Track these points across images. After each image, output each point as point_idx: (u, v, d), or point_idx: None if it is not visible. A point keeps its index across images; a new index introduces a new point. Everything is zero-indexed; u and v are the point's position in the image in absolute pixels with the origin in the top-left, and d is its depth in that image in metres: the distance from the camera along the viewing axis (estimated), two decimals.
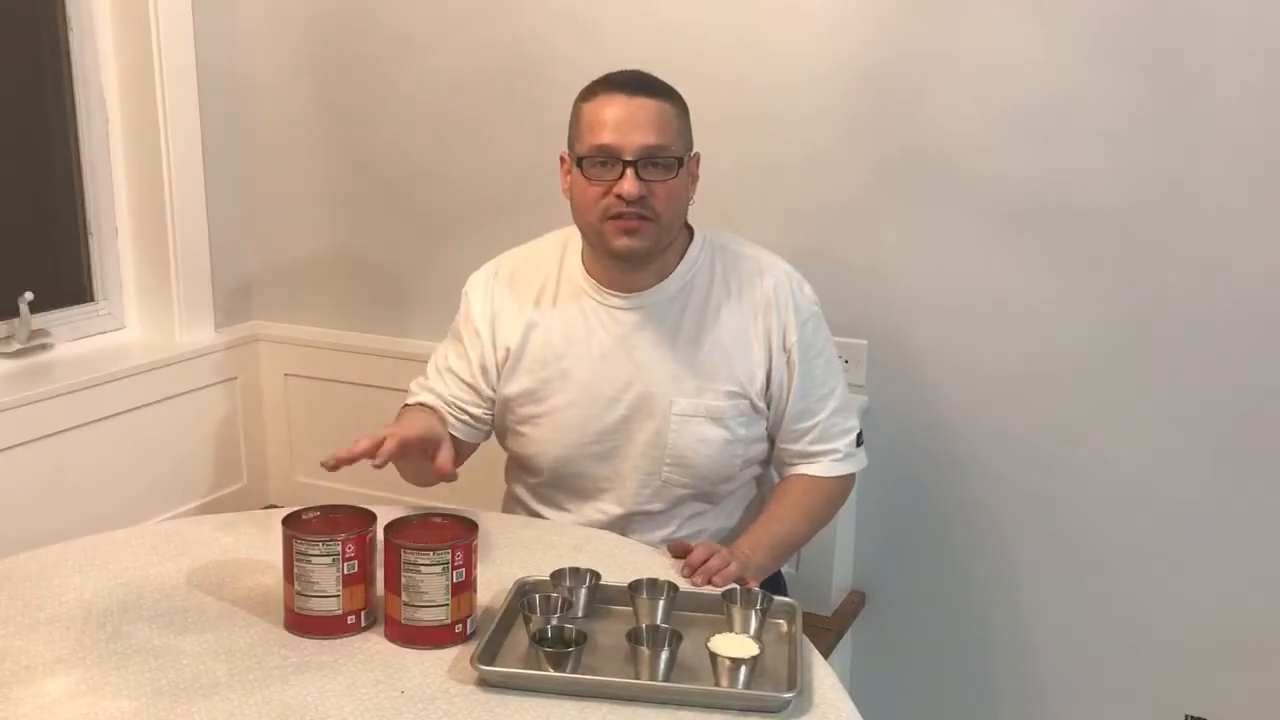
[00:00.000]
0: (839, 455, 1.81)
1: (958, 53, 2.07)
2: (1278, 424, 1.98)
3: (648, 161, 1.64)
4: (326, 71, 2.63)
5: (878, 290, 2.21)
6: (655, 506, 1.79)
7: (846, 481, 1.86)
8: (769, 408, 1.79)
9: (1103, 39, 1.98)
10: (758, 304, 1.77)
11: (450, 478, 1.63)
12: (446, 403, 1.83)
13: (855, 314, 2.22)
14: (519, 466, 1.88)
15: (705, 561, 1.56)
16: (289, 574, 1.40)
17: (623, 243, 1.67)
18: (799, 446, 1.81)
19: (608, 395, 1.75)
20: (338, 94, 2.63)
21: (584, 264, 1.79)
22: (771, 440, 1.83)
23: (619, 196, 1.64)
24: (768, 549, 1.70)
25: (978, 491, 2.21)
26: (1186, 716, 2.13)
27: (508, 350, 1.80)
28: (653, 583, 1.44)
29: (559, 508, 1.84)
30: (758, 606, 1.40)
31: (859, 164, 2.18)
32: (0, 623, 1.41)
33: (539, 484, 1.85)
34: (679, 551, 1.63)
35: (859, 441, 1.85)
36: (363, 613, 1.41)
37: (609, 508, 1.80)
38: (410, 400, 1.87)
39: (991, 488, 2.19)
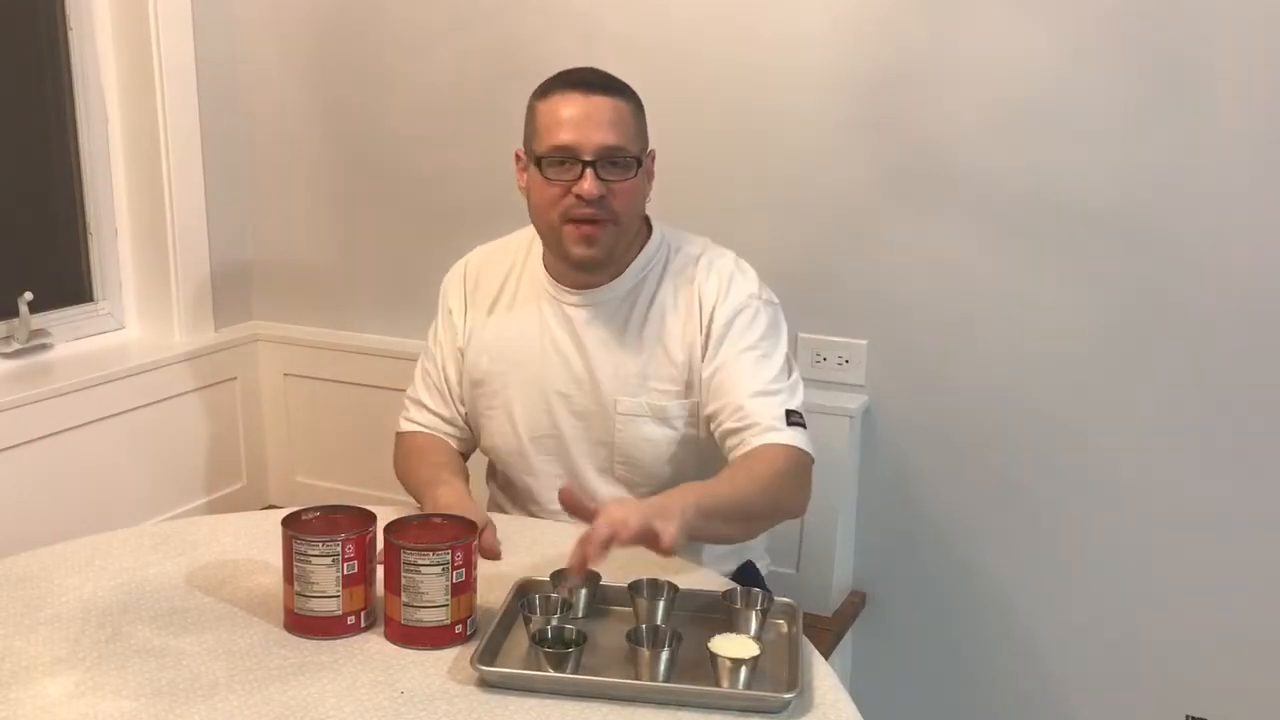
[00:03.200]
0: (763, 429, 1.64)
1: (958, 51, 2.07)
2: (1278, 423, 1.98)
3: (607, 161, 1.64)
4: (326, 72, 2.63)
5: (878, 290, 2.21)
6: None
7: (787, 451, 1.63)
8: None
9: (1103, 38, 1.98)
10: (694, 298, 1.74)
11: (496, 558, 1.58)
12: (434, 415, 1.88)
13: (855, 314, 2.22)
14: (491, 467, 1.91)
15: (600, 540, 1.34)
16: (289, 574, 1.39)
17: (580, 251, 1.68)
18: (726, 426, 1.67)
19: (557, 390, 1.77)
20: (338, 94, 2.63)
21: (544, 259, 1.80)
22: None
23: (578, 196, 1.64)
24: (696, 502, 1.46)
25: (978, 491, 2.21)
26: (1187, 717, 2.13)
27: (470, 337, 1.84)
28: (653, 583, 1.43)
29: (524, 506, 1.85)
30: (758, 606, 1.39)
31: (859, 163, 2.18)
32: (0, 623, 1.41)
33: (505, 480, 1.87)
34: (571, 506, 1.41)
35: (790, 421, 1.66)
36: (362, 613, 1.41)
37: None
38: (403, 428, 1.90)
39: (991, 487, 2.19)
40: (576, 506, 1.40)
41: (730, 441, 1.67)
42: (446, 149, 2.54)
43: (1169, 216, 1.99)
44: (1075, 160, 2.03)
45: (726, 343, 1.71)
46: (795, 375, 1.74)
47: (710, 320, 1.72)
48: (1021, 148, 2.06)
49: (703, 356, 1.72)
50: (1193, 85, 1.94)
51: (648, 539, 1.36)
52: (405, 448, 1.88)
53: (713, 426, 1.71)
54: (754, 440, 1.64)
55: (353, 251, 2.70)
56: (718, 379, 1.70)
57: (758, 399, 1.66)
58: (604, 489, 1.77)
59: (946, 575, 2.26)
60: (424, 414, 1.88)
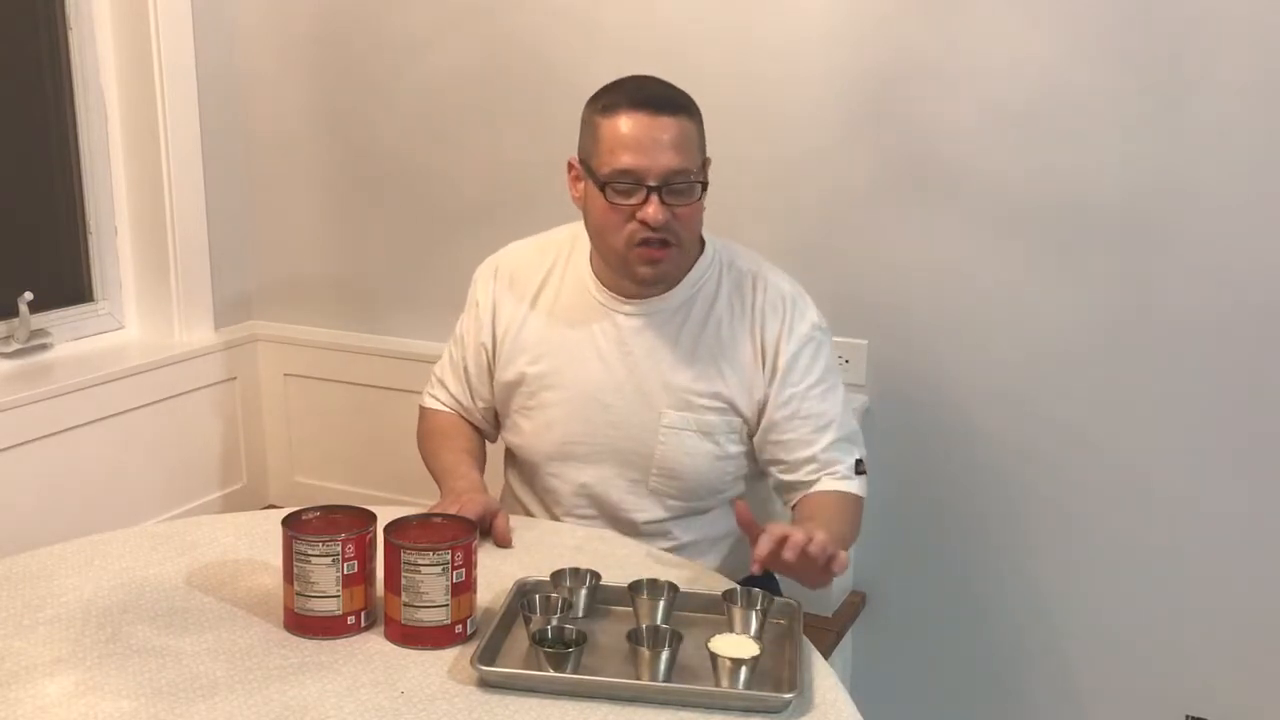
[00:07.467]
0: (838, 475, 1.73)
1: (958, 52, 2.07)
2: (1278, 423, 1.98)
3: (671, 185, 1.62)
4: (326, 71, 2.63)
5: (878, 290, 2.21)
6: (641, 515, 1.77)
7: (856, 499, 1.74)
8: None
9: (1103, 38, 1.98)
10: (751, 321, 1.74)
11: (507, 545, 1.65)
12: (455, 399, 1.89)
13: (855, 314, 2.22)
14: (512, 458, 1.90)
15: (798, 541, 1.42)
16: (289, 574, 1.39)
17: (646, 271, 1.67)
18: (797, 476, 1.74)
19: (599, 398, 1.74)
20: (338, 94, 2.63)
21: (591, 264, 1.78)
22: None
23: (643, 222, 1.62)
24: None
25: (978, 491, 2.21)
26: (1187, 717, 2.13)
27: (504, 336, 1.81)
28: (653, 583, 1.43)
29: (546, 507, 1.84)
30: (758, 606, 1.39)
31: (859, 163, 2.18)
32: (0, 623, 1.41)
33: (528, 478, 1.86)
34: (745, 522, 1.50)
35: (858, 470, 1.76)
36: (363, 613, 1.41)
37: (595, 510, 1.79)
38: (426, 404, 1.92)
39: (991, 487, 2.19)
40: (749, 523, 1.48)
41: (802, 473, 1.72)
42: (446, 149, 2.54)
43: (1169, 216, 1.99)
44: (1075, 160, 2.03)
45: (793, 379, 1.72)
46: (847, 400, 1.79)
47: (775, 352, 1.73)
48: (1022, 148, 2.06)
49: (766, 383, 1.72)
50: (1192, 86, 1.94)
51: (826, 557, 1.43)
52: (429, 426, 1.90)
53: (768, 454, 1.74)
54: (829, 484, 1.71)
55: (353, 251, 2.70)
56: (787, 417, 1.72)
57: (833, 449, 1.72)
58: (634, 500, 1.76)
59: (946, 575, 2.26)
60: (445, 394, 1.90)
